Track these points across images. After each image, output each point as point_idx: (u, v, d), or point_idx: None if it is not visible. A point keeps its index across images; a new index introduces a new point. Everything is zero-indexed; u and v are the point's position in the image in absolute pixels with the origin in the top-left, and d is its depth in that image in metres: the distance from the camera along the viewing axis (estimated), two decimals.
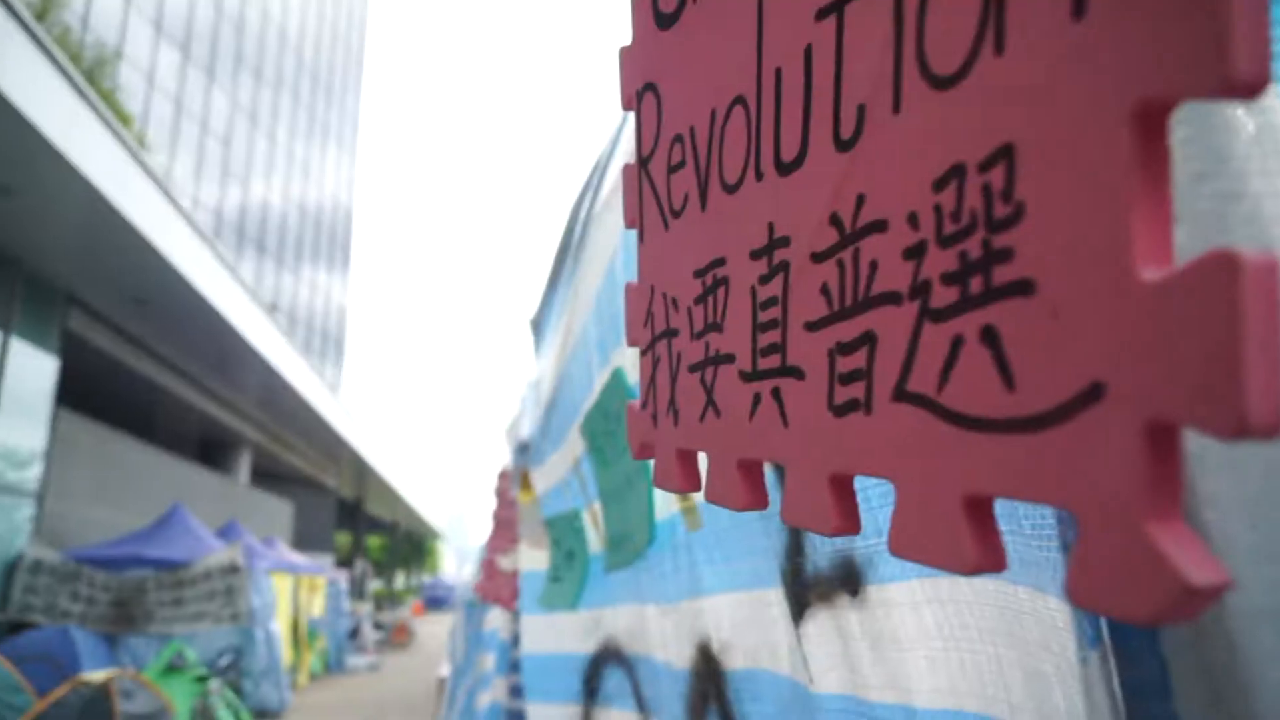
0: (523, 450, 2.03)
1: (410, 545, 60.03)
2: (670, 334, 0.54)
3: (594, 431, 1.31)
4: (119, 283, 11.68)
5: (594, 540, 1.57)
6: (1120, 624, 0.37)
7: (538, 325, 2.05)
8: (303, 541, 27.64)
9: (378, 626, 20.95)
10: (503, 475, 2.62)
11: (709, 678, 0.93)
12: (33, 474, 11.31)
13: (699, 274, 0.49)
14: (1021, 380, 0.27)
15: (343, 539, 41.05)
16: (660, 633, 1.06)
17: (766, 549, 0.83)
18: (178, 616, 11.00)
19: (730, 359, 0.45)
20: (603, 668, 1.64)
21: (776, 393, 0.40)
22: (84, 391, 13.37)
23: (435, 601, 49.31)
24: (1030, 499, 0.27)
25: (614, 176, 1.21)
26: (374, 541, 56.55)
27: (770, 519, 0.81)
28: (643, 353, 0.58)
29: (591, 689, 1.68)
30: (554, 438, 1.83)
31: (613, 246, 1.19)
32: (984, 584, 0.54)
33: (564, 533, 1.79)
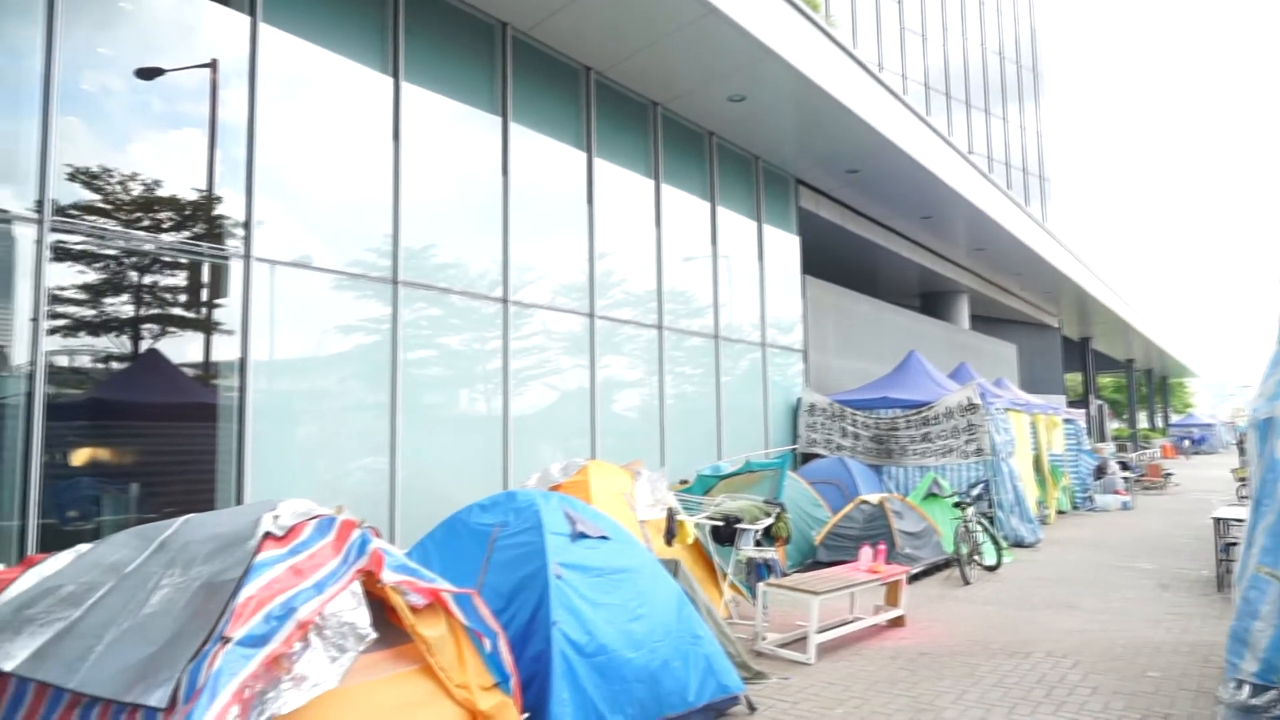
0: None
1: (1151, 383, 54.64)
2: None
3: None
4: (833, 158, 12.97)
5: None
6: None
7: None
8: (1029, 383, 27.55)
9: (1124, 467, 19.73)
10: None
11: None
12: (796, 334, 13.62)
13: None
14: None
15: (1072, 379, 39.59)
16: None
17: None
18: (927, 451, 12.10)
19: None
20: None
21: None
22: (819, 259, 15.43)
23: (1187, 442, 44.48)
24: None
25: None
26: (1106, 381, 53.17)
27: None
28: None
29: None
30: None
31: None
32: None
33: None
